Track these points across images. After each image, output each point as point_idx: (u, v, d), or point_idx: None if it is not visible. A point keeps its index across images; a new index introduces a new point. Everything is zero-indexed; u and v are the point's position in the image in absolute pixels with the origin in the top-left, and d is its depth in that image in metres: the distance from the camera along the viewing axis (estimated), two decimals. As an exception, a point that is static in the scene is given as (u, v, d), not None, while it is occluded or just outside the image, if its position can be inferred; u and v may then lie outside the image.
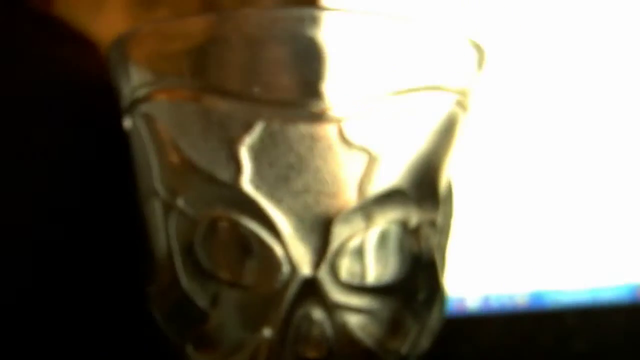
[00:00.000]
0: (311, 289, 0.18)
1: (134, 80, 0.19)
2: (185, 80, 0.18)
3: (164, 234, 0.19)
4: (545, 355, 0.47)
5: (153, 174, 0.19)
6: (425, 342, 0.20)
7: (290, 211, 0.18)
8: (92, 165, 0.31)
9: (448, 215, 0.21)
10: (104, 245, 0.30)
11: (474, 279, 0.45)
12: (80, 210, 0.30)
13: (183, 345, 0.19)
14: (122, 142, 0.21)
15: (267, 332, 0.18)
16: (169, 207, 0.19)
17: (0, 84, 0.28)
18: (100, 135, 0.30)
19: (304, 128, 0.17)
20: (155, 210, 0.19)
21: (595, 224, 0.46)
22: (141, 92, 0.19)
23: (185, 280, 0.19)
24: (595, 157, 0.47)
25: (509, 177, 0.46)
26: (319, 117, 0.17)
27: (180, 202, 0.18)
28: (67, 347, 0.31)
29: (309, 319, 0.18)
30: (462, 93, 0.19)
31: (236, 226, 0.18)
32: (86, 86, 0.31)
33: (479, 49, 0.20)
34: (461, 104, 0.20)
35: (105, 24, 0.38)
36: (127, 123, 0.20)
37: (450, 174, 0.21)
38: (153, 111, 0.19)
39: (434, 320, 0.20)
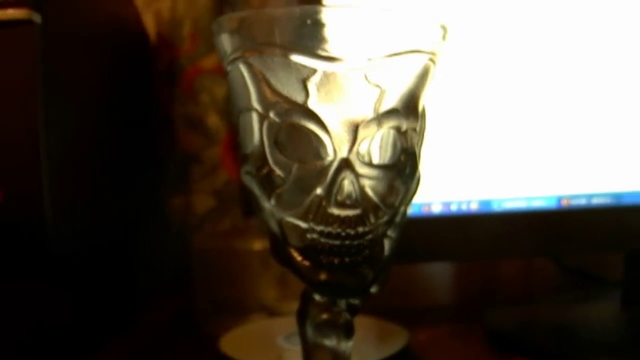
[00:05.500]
0: (346, 164, 0.31)
1: (236, 44, 0.32)
2: (275, 44, 0.30)
3: (259, 134, 0.32)
4: (492, 248, 0.60)
5: (252, 98, 0.32)
6: (410, 198, 0.34)
7: (336, 119, 0.31)
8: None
9: (423, 127, 0.34)
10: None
11: (438, 189, 0.59)
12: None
13: (268, 200, 0.33)
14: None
15: (319, 190, 0.32)
16: (263, 118, 0.31)
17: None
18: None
19: (344, 73, 0.30)
20: (252, 120, 0.32)
21: (531, 147, 0.58)
22: (240, 52, 0.31)
23: (271, 161, 0.32)
24: (535, 83, 0.57)
25: (465, 107, 0.58)
26: (352, 67, 0.30)
27: (271, 114, 0.31)
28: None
29: (344, 181, 0.31)
30: (433, 54, 0.33)
31: (304, 128, 0.31)
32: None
33: (443, 27, 0.33)
34: (432, 60, 0.33)
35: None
36: (229, 68, 0.33)
37: (425, 103, 0.34)
38: (252, 61, 0.31)
39: (414, 187, 0.34)
